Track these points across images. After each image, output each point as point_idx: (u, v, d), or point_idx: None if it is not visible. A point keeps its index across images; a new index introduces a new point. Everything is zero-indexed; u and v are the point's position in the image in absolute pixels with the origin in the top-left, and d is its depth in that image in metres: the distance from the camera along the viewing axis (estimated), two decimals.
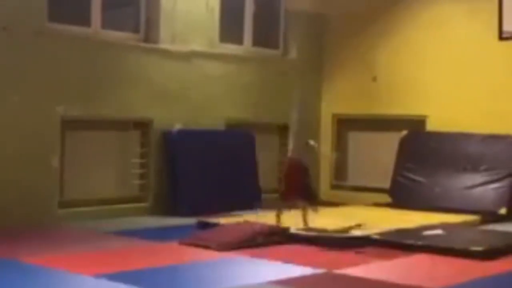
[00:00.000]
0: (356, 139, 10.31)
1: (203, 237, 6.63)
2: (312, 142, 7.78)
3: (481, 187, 8.66)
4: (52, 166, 7.70)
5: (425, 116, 9.51)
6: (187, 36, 8.93)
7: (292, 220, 7.05)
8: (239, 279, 5.41)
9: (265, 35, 10.23)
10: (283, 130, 10.11)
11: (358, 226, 7.10)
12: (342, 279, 5.46)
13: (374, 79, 9.99)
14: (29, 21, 7.55)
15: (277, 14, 10.33)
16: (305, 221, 6.99)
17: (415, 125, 9.56)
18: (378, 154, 9.80)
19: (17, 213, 7.33)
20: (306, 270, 5.62)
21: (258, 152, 9.42)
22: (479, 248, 6.21)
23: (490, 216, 8.26)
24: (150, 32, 8.79)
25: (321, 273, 5.57)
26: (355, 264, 5.89)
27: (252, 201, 9.00)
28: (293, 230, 6.83)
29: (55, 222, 7.55)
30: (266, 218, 7.51)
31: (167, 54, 8.73)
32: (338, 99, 10.30)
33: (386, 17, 9.89)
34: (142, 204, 8.48)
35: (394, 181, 9.27)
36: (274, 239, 6.62)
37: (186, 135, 8.72)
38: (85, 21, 8.28)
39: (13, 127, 7.43)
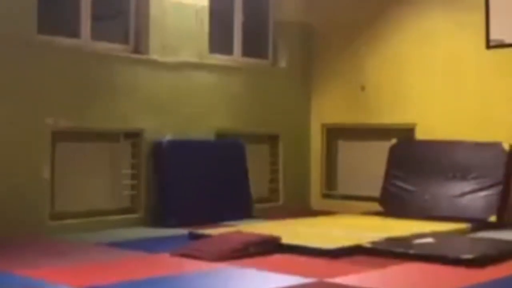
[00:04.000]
0: (346, 148, 10.35)
1: (195, 247, 6.63)
2: None
3: (470, 195, 8.70)
4: (42, 178, 7.69)
5: (414, 125, 9.55)
6: (177, 46, 8.95)
7: None
8: None
9: (255, 45, 10.26)
10: (273, 139, 10.14)
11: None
12: None
13: (363, 88, 10.03)
14: (18, 33, 7.55)
15: (266, 24, 10.37)
16: None
17: (404, 133, 9.60)
18: (368, 163, 9.84)
19: (7, 225, 7.31)
20: (298, 280, 5.62)
21: (249, 162, 9.43)
22: (470, 256, 6.24)
23: (480, 224, 8.30)
24: (139, 43, 8.81)
25: (312, 283, 5.57)
26: (346, 273, 5.90)
27: (243, 211, 9.01)
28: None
29: (46, 234, 7.53)
30: (257, 228, 7.52)
31: (156, 65, 8.74)
32: (327, 108, 10.34)
33: (374, 26, 9.94)
34: (133, 215, 8.47)
35: (384, 190, 9.29)
36: (265, 249, 6.62)
37: (177, 145, 8.72)
38: (75, 32, 8.30)
39: (3, 138, 7.42)
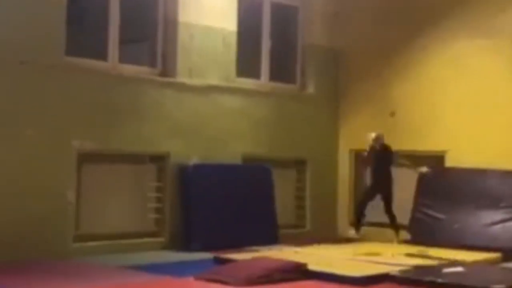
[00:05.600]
0: None
1: (220, 272, 6.55)
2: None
3: (502, 223, 8.53)
4: (67, 200, 7.66)
5: (444, 152, 9.41)
6: (204, 70, 8.93)
7: None
8: None
9: (282, 70, 10.22)
10: (300, 165, 10.05)
11: None
12: None
13: (392, 114, 9.92)
14: (46, 55, 7.56)
15: (294, 49, 10.32)
16: None
17: (434, 161, 9.46)
18: (396, 190, 9.68)
19: (32, 247, 7.27)
20: None
21: (275, 187, 9.34)
22: (501, 287, 6.10)
23: (511, 254, 8.12)
24: (167, 66, 8.80)
25: None
26: None
27: (269, 237, 8.90)
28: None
29: (70, 256, 7.49)
30: (283, 254, 7.42)
31: (184, 88, 8.71)
32: (356, 134, 10.22)
33: (404, 52, 9.85)
34: (158, 239, 8.41)
35: (413, 218, 9.16)
36: (291, 275, 6.51)
37: (203, 169, 8.66)
38: (103, 55, 8.30)
39: (29, 160, 7.40)
